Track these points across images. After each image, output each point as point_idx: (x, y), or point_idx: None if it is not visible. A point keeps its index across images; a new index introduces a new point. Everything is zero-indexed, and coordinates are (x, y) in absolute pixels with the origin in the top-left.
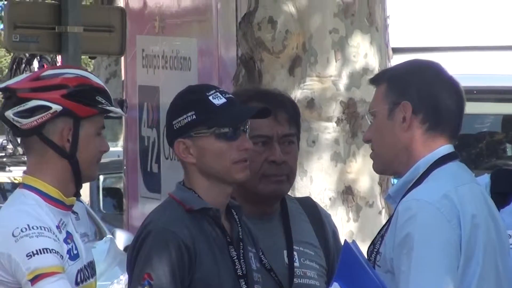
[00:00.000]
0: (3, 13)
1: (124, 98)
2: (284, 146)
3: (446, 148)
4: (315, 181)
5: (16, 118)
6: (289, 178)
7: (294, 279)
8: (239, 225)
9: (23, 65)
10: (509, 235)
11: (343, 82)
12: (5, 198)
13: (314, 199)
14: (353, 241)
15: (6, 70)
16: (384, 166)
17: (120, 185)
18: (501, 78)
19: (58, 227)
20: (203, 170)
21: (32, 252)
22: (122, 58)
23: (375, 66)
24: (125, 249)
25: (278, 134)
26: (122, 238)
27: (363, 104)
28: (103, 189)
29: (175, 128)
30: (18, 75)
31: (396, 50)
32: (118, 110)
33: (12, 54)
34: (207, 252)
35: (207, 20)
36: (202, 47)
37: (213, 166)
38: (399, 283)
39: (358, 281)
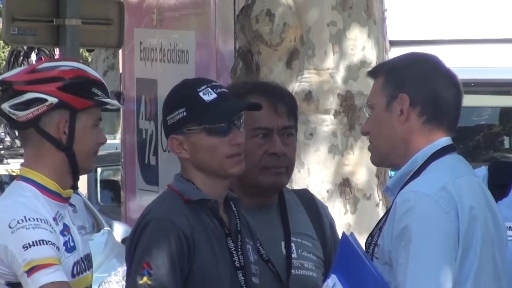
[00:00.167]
0: (1, 6)
1: (121, 90)
2: (284, 138)
3: (444, 140)
4: (313, 174)
5: (12, 111)
6: (288, 170)
7: (292, 270)
8: (237, 217)
9: (21, 58)
10: (508, 227)
11: (340, 75)
12: (3, 191)
13: (312, 191)
14: (351, 233)
15: (4, 62)
16: (382, 159)
17: (118, 178)
18: (499, 71)
19: (55, 219)
20: (197, 165)
21: (28, 243)
22: (120, 51)
23: (372, 59)
24: (123, 241)
25: (278, 126)
26: (119, 230)
27: (360, 97)
28: (101, 181)
29: (168, 124)
30: (16, 68)
31: (393, 43)
32: (115, 102)
33: (10, 46)
34: (205, 243)
35: (205, 13)
36: (200, 40)
37: (207, 161)
38: (397, 275)
39: (356, 273)
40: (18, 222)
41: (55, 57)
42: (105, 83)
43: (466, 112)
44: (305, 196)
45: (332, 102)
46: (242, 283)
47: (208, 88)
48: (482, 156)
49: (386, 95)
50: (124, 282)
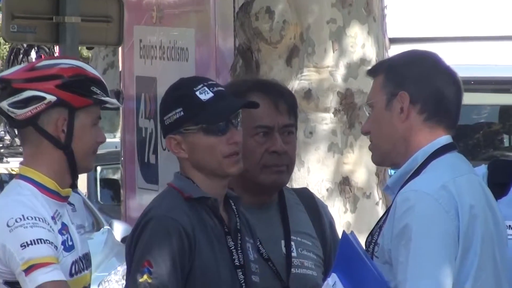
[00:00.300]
0: (1, 3)
1: (120, 89)
2: (284, 137)
3: (444, 138)
4: (312, 172)
5: (10, 109)
6: (289, 169)
7: (292, 269)
8: (237, 216)
9: (21, 55)
10: (508, 225)
11: (340, 73)
12: (2, 189)
13: (311, 190)
14: (351, 232)
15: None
16: (382, 157)
17: (118, 176)
18: (498, 69)
19: (53, 218)
20: (196, 165)
21: (26, 242)
22: (120, 48)
23: (372, 56)
24: (123, 240)
25: (279, 124)
26: (119, 229)
27: (360, 95)
28: (101, 180)
29: (166, 123)
30: (16, 65)
31: (393, 41)
32: (114, 101)
33: (10, 44)
34: (205, 241)
35: (204, 10)
36: (199, 38)
37: (205, 161)
38: (397, 274)
39: (356, 272)
40: (16, 221)
41: (55, 55)
42: (104, 82)
43: (465, 110)
44: (305, 195)
45: (332, 100)
46: (242, 281)
47: (205, 87)
48: (482, 154)
49: (386, 93)
50: (124, 281)
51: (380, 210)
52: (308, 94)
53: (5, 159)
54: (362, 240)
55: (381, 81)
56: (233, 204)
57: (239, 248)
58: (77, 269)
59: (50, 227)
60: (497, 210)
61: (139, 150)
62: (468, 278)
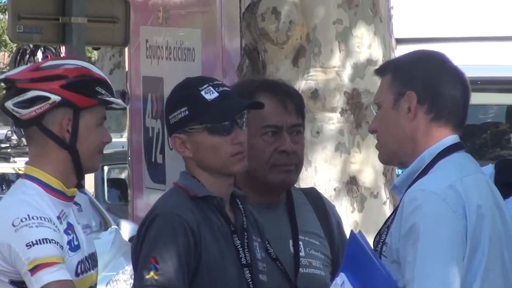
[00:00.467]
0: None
1: (126, 89)
2: (293, 136)
3: (451, 138)
4: (320, 172)
5: (15, 109)
6: (298, 168)
7: (300, 269)
8: (243, 214)
9: (27, 56)
10: None
11: (347, 73)
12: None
13: (319, 190)
14: (360, 232)
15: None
16: (390, 157)
17: (125, 176)
18: (505, 69)
19: (58, 217)
20: (200, 164)
21: (32, 242)
22: (126, 49)
23: (379, 56)
24: (130, 239)
25: (287, 124)
26: (127, 229)
27: (367, 95)
28: (108, 180)
29: (171, 122)
30: (22, 65)
31: (400, 41)
32: (119, 101)
33: (16, 44)
34: (212, 239)
35: (210, 11)
36: (206, 38)
37: (209, 160)
38: (405, 273)
39: (364, 272)
40: (22, 221)
41: (61, 55)
42: (109, 82)
43: (472, 110)
44: (313, 194)
45: (339, 100)
46: (249, 280)
47: (210, 87)
48: (489, 154)
49: (394, 92)
50: (132, 281)
51: (388, 210)
52: (315, 94)
53: (12, 159)
54: (369, 240)
55: (389, 81)
56: (239, 203)
57: (245, 247)
58: (83, 269)
59: (56, 226)
60: (505, 210)
61: (146, 150)
62: (476, 278)
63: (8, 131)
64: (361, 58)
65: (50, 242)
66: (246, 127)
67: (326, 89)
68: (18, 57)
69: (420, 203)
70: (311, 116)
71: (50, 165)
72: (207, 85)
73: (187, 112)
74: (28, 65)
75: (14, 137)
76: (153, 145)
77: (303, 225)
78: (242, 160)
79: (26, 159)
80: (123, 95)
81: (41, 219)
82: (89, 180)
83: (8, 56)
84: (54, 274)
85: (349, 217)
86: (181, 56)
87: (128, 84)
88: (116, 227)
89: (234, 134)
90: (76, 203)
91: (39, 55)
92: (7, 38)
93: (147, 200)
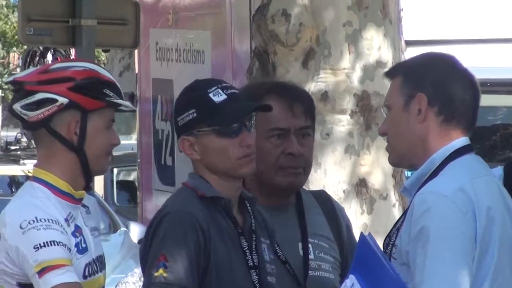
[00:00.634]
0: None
1: (135, 92)
2: (300, 139)
3: (461, 140)
4: (329, 174)
5: (23, 111)
6: (306, 171)
7: (309, 272)
8: (252, 216)
9: (37, 58)
10: None
11: (356, 75)
12: None
13: (328, 192)
14: (369, 234)
15: None
16: (400, 159)
17: (134, 178)
18: None
19: (66, 220)
20: (208, 166)
21: (39, 244)
22: (136, 51)
23: (388, 59)
24: (139, 242)
25: (294, 126)
26: (136, 231)
27: (376, 97)
28: (117, 182)
29: (179, 124)
30: (32, 68)
31: (409, 43)
32: (127, 103)
33: (26, 47)
34: (219, 239)
35: (220, 13)
36: (215, 40)
37: (217, 162)
38: (415, 276)
39: (374, 273)
40: (29, 223)
41: (71, 58)
42: (118, 84)
43: (482, 112)
44: (322, 197)
45: (349, 102)
46: (256, 282)
47: (218, 89)
48: (499, 156)
49: (404, 94)
50: (141, 283)
51: (397, 212)
52: (324, 96)
53: (22, 161)
54: (379, 242)
55: (399, 83)
56: (248, 204)
57: (253, 249)
58: (90, 271)
59: (63, 229)
60: None
61: (156, 152)
62: (485, 281)
63: (18, 133)
64: (370, 60)
65: (57, 244)
66: (254, 130)
67: (336, 91)
68: (28, 59)
69: (430, 206)
70: (321, 118)
71: (58, 168)
72: (215, 87)
73: (195, 114)
74: (38, 67)
75: (24, 139)
76: (162, 147)
77: (312, 228)
78: (250, 163)
79: (36, 161)
80: (132, 97)
81: (48, 221)
82: (99, 182)
83: (18, 58)
84: (62, 276)
85: (358, 219)
86: (190, 58)
87: (137, 86)
88: (125, 229)
89: (242, 137)
90: (84, 206)
91: (49, 57)
92: None
93: (156, 202)
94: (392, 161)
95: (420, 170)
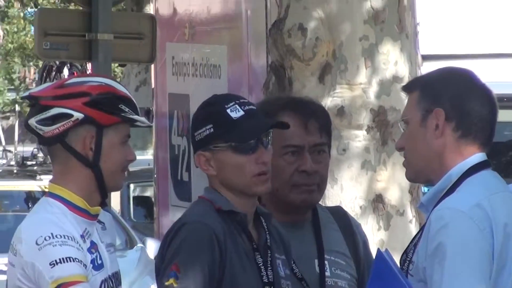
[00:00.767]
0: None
1: (151, 107)
2: (315, 156)
3: (478, 156)
4: (346, 190)
5: (38, 126)
6: (320, 187)
7: None
8: (267, 232)
9: (53, 72)
10: None
11: (373, 90)
12: None
13: (345, 207)
14: (386, 250)
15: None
16: (417, 174)
17: (151, 194)
18: None
19: (82, 236)
20: (224, 182)
21: (55, 260)
22: (152, 65)
23: (405, 73)
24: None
25: (309, 143)
26: (153, 247)
27: (393, 112)
28: (134, 197)
29: (196, 139)
30: (48, 82)
31: (426, 58)
32: (143, 119)
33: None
34: (235, 253)
35: (237, 27)
36: (232, 55)
37: (233, 179)
38: None
39: None
40: (45, 239)
41: (88, 72)
42: (133, 100)
43: (498, 127)
44: (339, 213)
45: (365, 118)
46: None
47: (236, 105)
48: None
49: (421, 109)
50: None
51: (414, 228)
52: (341, 111)
53: (38, 177)
54: (396, 258)
55: (417, 98)
56: (263, 220)
57: (268, 265)
58: (106, 287)
59: (79, 245)
60: None
61: (172, 168)
62: None
63: (34, 148)
64: (387, 75)
65: (73, 261)
66: (271, 147)
67: (352, 106)
68: (44, 74)
69: (447, 222)
70: (337, 134)
71: (73, 183)
72: (233, 103)
73: (212, 130)
74: (54, 82)
75: (40, 154)
76: (179, 163)
77: (329, 244)
78: (266, 182)
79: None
80: (148, 113)
81: (64, 237)
82: (115, 198)
83: (35, 73)
84: None
85: (375, 235)
86: (207, 73)
87: (154, 101)
88: (141, 245)
89: (258, 153)
90: (99, 222)
91: (65, 71)
92: None
93: (173, 218)
94: (409, 177)
95: (437, 186)
